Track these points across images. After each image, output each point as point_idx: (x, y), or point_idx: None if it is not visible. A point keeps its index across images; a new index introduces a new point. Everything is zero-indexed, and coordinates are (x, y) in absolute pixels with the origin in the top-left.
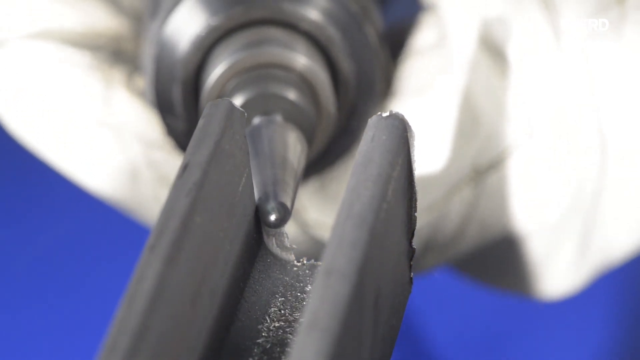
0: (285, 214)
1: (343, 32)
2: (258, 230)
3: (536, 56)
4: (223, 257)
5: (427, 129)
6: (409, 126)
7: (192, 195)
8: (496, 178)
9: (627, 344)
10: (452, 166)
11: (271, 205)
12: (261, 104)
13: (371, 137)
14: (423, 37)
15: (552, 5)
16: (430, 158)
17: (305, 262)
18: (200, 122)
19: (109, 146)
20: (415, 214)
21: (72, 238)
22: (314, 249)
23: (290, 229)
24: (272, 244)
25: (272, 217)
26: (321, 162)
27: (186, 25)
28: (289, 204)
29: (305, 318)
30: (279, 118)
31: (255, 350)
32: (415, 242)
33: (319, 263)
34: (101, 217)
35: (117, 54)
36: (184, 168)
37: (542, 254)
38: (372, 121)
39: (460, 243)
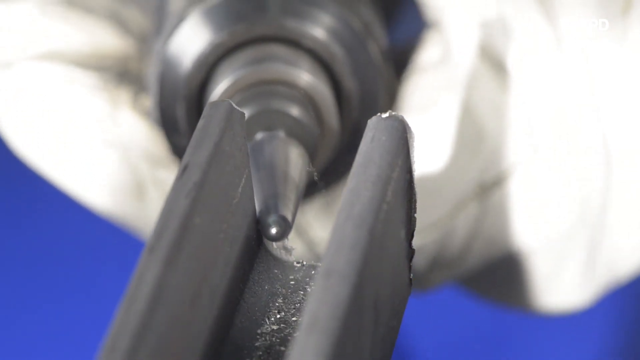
0: (286, 227)
1: (346, 49)
2: (258, 231)
3: (538, 66)
4: (223, 258)
5: (430, 146)
6: (409, 127)
7: (192, 196)
8: (501, 194)
9: (627, 353)
10: (457, 182)
11: (272, 218)
12: (264, 120)
13: (371, 138)
14: (427, 54)
15: (553, 12)
16: (433, 173)
17: (305, 263)
18: (200, 122)
19: (115, 166)
20: (415, 214)
21: (73, 238)
22: None
23: (296, 246)
24: (272, 245)
25: (273, 231)
26: (326, 179)
27: (189, 43)
28: (290, 218)
29: (305, 319)
30: (281, 134)
31: (255, 351)
32: (422, 259)
33: (319, 264)
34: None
35: (123, 74)
36: (184, 168)
37: (549, 269)
38: (371, 122)
39: (466, 260)
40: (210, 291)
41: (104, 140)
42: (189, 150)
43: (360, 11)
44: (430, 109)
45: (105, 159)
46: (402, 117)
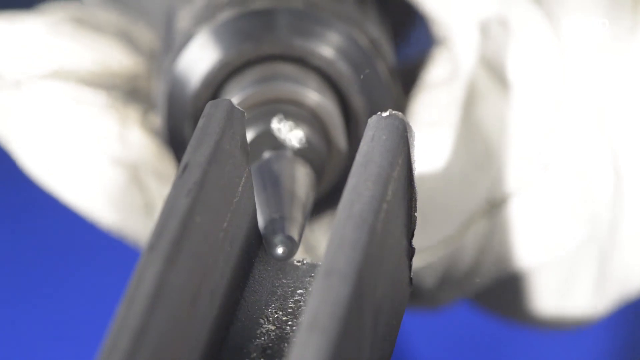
0: (292, 247)
1: (354, 67)
2: (258, 230)
3: (543, 79)
4: (223, 257)
5: (438, 162)
6: (409, 126)
7: (192, 195)
8: (510, 210)
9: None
10: (466, 199)
11: (279, 238)
12: (272, 139)
13: (371, 137)
14: (435, 72)
15: (557, 19)
16: (442, 189)
17: (305, 262)
18: (200, 122)
19: (124, 183)
20: (415, 214)
21: (73, 238)
22: None
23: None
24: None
25: (280, 250)
26: (334, 198)
27: (197, 62)
28: (296, 238)
29: (305, 318)
30: (289, 153)
31: (255, 350)
32: (431, 276)
33: (319, 263)
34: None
35: (132, 92)
36: (184, 168)
37: (559, 285)
38: (372, 121)
39: (476, 276)
40: (210, 290)
41: (113, 158)
42: (189, 150)
43: (367, 29)
44: (439, 125)
45: (114, 176)
46: (403, 115)
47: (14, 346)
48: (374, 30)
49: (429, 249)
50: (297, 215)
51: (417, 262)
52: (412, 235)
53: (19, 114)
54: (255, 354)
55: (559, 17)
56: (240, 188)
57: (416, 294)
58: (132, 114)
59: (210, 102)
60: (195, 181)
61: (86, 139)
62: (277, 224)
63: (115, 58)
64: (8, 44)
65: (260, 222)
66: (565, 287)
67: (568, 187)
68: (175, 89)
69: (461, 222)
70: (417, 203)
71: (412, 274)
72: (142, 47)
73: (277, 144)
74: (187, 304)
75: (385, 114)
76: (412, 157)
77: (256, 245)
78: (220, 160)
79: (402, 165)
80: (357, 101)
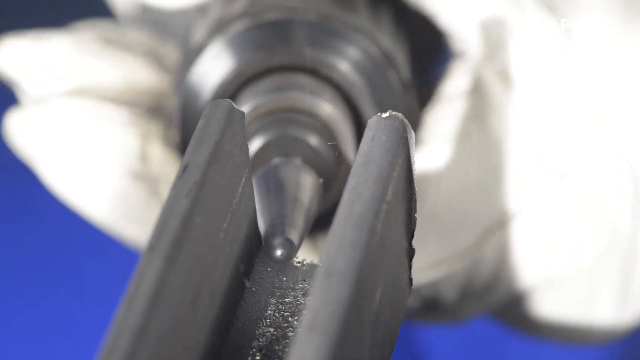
0: (291, 249)
1: (367, 79)
2: (258, 230)
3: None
4: (223, 257)
5: (454, 174)
6: (409, 127)
7: (192, 195)
8: (527, 222)
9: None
10: (483, 211)
11: (278, 240)
12: (281, 146)
13: (371, 138)
14: (452, 84)
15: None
16: (459, 202)
17: (305, 262)
18: (200, 122)
19: (145, 198)
20: (415, 214)
21: (73, 237)
22: None
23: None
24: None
25: (278, 253)
26: None
27: (211, 73)
28: (296, 241)
29: (305, 319)
30: (297, 161)
31: (255, 350)
32: (451, 289)
33: (319, 264)
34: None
35: (156, 109)
36: (184, 168)
37: (581, 298)
38: (372, 122)
39: (495, 290)
40: (210, 290)
41: (134, 173)
42: (189, 150)
43: (380, 41)
44: (454, 137)
45: (134, 191)
46: (402, 116)
47: (14, 346)
48: (388, 42)
49: (447, 260)
50: (299, 218)
51: (436, 274)
52: (412, 236)
53: (42, 130)
54: (255, 355)
55: (568, 17)
56: (240, 189)
57: (438, 307)
58: (154, 130)
59: (210, 103)
60: (195, 181)
61: (107, 154)
62: (277, 226)
63: (141, 75)
64: (34, 61)
65: (262, 224)
66: (588, 301)
67: (584, 197)
68: (189, 101)
69: (478, 234)
70: (417, 204)
71: (411, 274)
72: (168, 65)
73: (287, 152)
74: (187, 304)
75: (385, 115)
76: (412, 157)
77: (256, 245)
78: (220, 160)
79: (402, 166)
80: (370, 113)
